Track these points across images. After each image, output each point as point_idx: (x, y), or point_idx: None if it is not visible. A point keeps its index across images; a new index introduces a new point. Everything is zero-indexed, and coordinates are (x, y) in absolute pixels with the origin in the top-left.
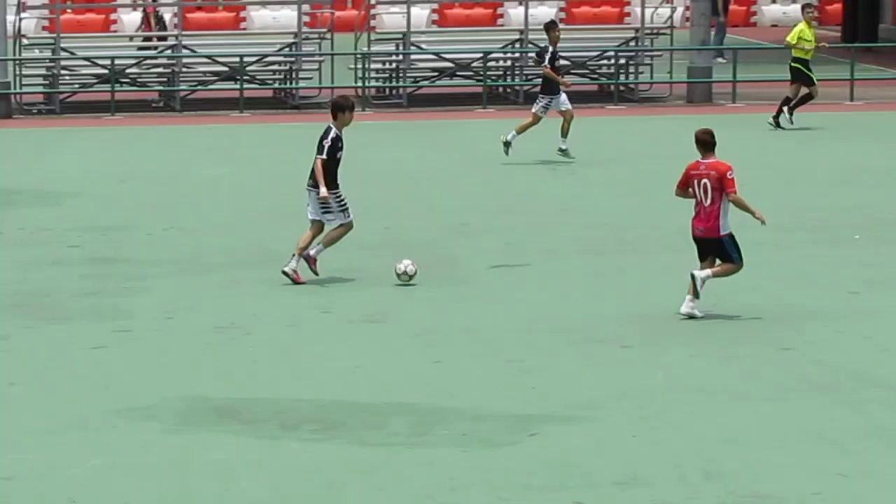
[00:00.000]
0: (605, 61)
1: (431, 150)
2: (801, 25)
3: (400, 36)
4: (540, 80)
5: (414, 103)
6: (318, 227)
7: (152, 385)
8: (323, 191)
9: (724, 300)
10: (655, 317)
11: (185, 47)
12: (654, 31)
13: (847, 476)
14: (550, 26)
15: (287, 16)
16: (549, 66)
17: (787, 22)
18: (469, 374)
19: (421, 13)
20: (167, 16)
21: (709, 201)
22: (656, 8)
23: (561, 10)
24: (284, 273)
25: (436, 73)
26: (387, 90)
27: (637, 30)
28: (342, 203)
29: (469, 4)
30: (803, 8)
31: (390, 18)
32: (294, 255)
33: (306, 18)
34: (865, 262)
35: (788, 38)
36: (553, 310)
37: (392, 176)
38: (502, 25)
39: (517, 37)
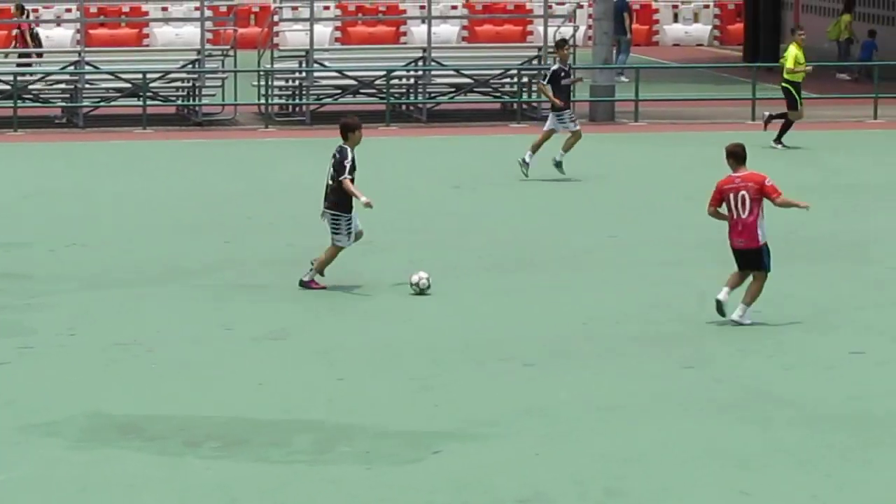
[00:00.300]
0: (508, 80)
1: None
2: (795, 49)
3: (303, 53)
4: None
5: (317, 121)
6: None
7: (55, 401)
8: (364, 199)
9: (626, 318)
10: (559, 334)
11: (87, 64)
12: None
13: (750, 494)
14: (560, 44)
15: (190, 32)
16: (546, 83)
17: (688, 41)
18: (372, 392)
19: (324, 30)
20: (69, 32)
21: (746, 212)
22: (559, 27)
23: (464, 28)
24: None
25: (339, 91)
26: (290, 107)
27: (540, 48)
28: (349, 226)
29: (372, 22)
30: (793, 31)
31: (293, 36)
32: (314, 271)
33: (209, 35)
34: (767, 281)
35: (788, 64)
36: (456, 327)
37: (296, 193)
38: (405, 43)
39: (420, 54)
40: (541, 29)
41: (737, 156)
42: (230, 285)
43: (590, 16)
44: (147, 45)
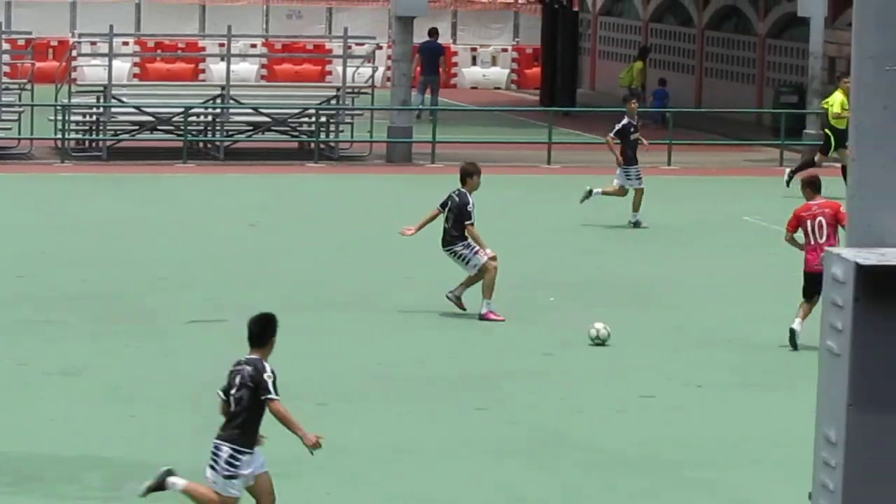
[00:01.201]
0: (306, 119)
1: (131, 203)
2: (841, 95)
3: (101, 88)
4: None
5: (114, 156)
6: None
7: None
8: (489, 251)
9: (420, 359)
10: (352, 375)
11: None
12: (356, 90)
13: None
14: (628, 97)
15: None
16: (614, 136)
17: (486, 84)
18: (164, 429)
19: (123, 66)
20: None
21: (824, 237)
22: (358, 67)
23: (263, 66)
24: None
25: (136, 127)
26: (87, 143)
27: (338, 88)
28: (470, 249)
29: (171, 59)
30: (839, 77)
31: (91, 71)
32: (484, 299)
33: (6, 69)
34: (559, 324)
35: (834, 109)
36: None
37: (91, 228)
38: (204, 81)
39: (219, 92)
40: (340, 69)
41: (813, 185)
42: (23, 320)
43: (389, 57)
44: None
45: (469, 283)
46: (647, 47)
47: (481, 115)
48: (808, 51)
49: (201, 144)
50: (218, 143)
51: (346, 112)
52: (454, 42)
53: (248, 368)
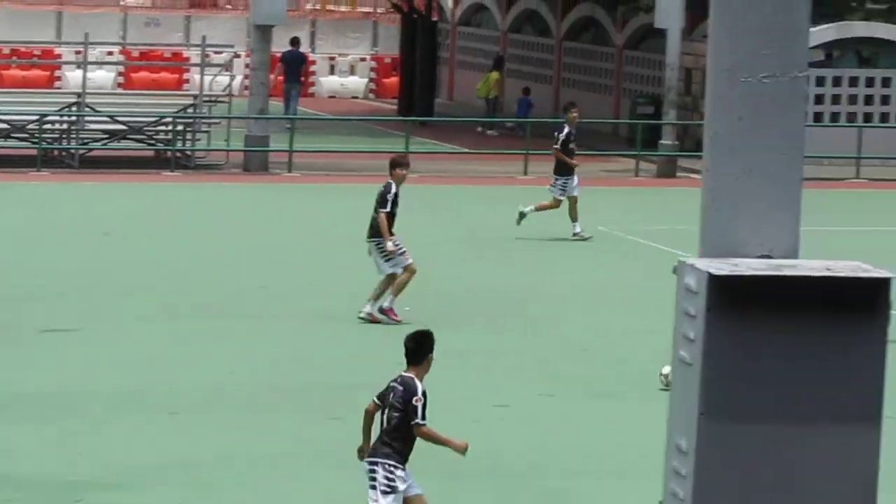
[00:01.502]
0: (162, 127)
1: None
2: None
3: None
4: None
5: None
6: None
7: None
8: (389, 245)
9: (275, 368)
10: (205, 384)
11: None
12: (213, 98)
13: None
14: (567, 107)
15: None
16: (560, 147)
17: (344, 93)
18: (14, 439)
19: None
20: None
21: None
22: (215, 76)
23: (120, 74)
24: (361, 318)
25: None
26: None
27: (196, 97)
28: (400, 249)
29: (26, 66)
30: None
31: None
32: (369, 300)
33: None
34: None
35: None
36: (103, 375)
37: None
38: (60, 88)
39: (74, 100)
40: (197, 77)
41: None
42: None
43: (247, 65)
44: None
45: (377, 294)
46: (502, 57)
47: (339, 125)
48: (665, 62)
49: (56, 152)
50: (73, 151)
51: (203, 120)
52: (313, 51)
53: (400, 389)
